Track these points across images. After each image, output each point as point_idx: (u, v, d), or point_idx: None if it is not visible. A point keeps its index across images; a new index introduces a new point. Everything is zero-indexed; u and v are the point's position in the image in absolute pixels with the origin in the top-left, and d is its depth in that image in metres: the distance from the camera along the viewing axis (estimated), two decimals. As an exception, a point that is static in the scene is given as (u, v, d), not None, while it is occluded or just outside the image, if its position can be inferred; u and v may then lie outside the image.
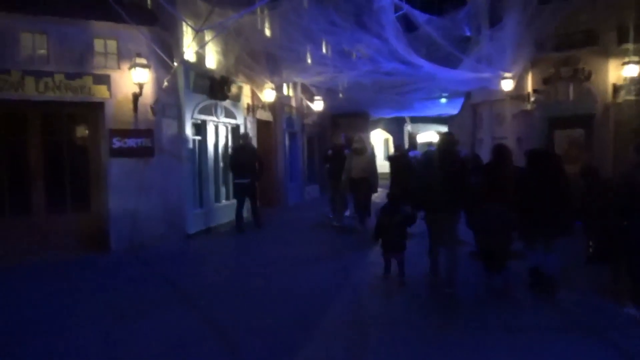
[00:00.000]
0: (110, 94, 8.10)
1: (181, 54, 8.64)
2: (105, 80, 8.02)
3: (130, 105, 8.21)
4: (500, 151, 6.37)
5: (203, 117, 9.80)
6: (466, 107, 16.17)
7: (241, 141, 10.32)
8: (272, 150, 14.08)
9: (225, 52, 10.54)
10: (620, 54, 10.25)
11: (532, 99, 11.45)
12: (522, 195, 5.50)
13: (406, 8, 11.49)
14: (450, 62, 12.42)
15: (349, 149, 10.05)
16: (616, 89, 10.38)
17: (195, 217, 9.53)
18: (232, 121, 11.09)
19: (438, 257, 5.95)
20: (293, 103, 15.40)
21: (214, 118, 10.23)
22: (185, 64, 9.06)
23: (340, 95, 18.39)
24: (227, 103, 10.66)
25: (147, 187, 8.43)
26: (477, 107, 15.25)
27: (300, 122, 15.95)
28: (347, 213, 10.58)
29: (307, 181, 16.62)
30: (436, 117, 21.97)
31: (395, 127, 25.75)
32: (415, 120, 25.87)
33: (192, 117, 9.37)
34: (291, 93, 15.47)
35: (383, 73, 13.37)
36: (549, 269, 5.49)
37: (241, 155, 9.92)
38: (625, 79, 10.22)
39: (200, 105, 9.65)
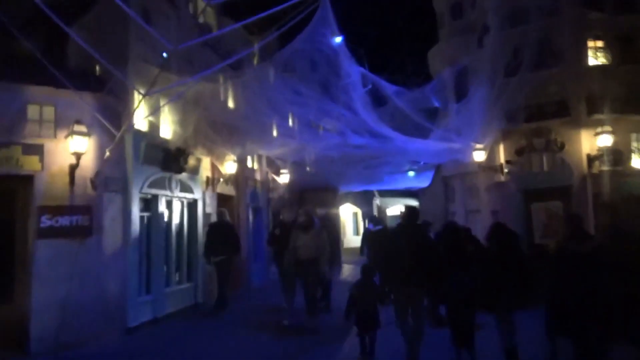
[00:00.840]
0: (42, 166, 7.07)
1: (130, 122, 7.81)
2: (37, 150, 7.02)
3: (66, 179, 7.18)
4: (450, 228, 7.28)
5: (154, 191, 8.80)
6: (437, 179, 15.79)
7: (217, 218, 10.02)
8: (235, 226, 13.01)
9: (182, 122, 9.78)
10: (592, 124, 10.10)
11: (505, 170, 11.06)
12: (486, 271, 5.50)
13: (375, 80, 11.23)
14: (420, 133, 12.08)
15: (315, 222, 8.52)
16: (590, 159, 10.10)
17: (140, 306, 8.21)
18: (189, 196, 10.10)
19: (408, 329, 5.67)
20: (258, 176, 14.61)
21: (168, 192, 9.24)
22: (136, 133, 8.21)
23: (308, 168, 17.84)
24: (183, 176, 9.73)
25: (81, 272, 7.18)
26: (448, 179, 14.86)
27: (266, 196, 15.08)
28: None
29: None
30: (405, 190, 21.59)
31: (365, 201, 25.25)
32: (384, 194, 25.51)
33: (140, 192, 8.35)
34: (255, 166, 14.73)
35: (352, 146, 12.91)
36: (505, 340, 5.38)
37: (216, 232, 9.58)
38: (599, 149, 9.98)
39: (152, 179, 8.68)
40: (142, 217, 8.51)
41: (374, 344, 5.91)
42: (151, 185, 8.67)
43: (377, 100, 12.47)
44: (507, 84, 10.65)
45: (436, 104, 12.22)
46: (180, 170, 9.41)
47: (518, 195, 10.84)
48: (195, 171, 10.23)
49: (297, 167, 15.81)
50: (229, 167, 11.24)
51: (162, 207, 9.04)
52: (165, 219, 9.26)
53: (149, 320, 8.37)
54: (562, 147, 10.31)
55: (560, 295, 4.82)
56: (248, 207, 13.70)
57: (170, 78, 8.79)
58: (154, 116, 9.12)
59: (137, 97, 8.57)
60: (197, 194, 10.34)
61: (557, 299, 4.85)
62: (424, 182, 18.10)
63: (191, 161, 9.86)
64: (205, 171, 11.03)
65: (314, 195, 19.26)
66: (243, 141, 11.89)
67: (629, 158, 10.09)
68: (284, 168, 15.17)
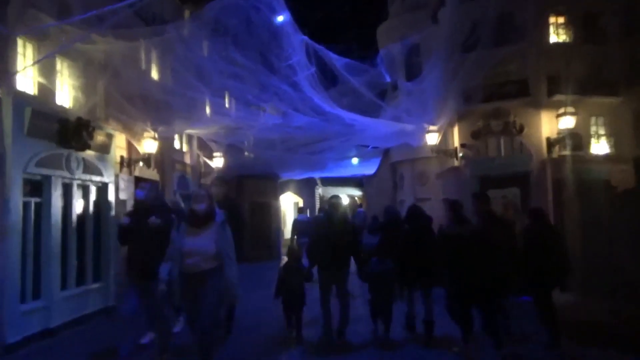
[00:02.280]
0: None
1: (8, 79, 6.03)
2: None
3: None
4: (389, 212, 7.41)
5: (46, 171, 7.01)
6: (384, 166, 14.79)
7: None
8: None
9: (86, 88, 8.03)
10: (553, 105, 9.37)
11: (459, 154, 10.16)
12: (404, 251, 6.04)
13: (320, 50, 9.91)
14: (371, 114, 10.95)
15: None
16: (551, 143, 9.37)
17: (25, 315, 6.49)
18: (97, 178, 8.33)
19: (329, 308, 6.10)
20: (187, 160, 12.93)
21: (65, 174, 7.45)
22: (18, 96, 6.42)
23: (246, 153, 16.32)
24: (89, 155, 7.98)
25: None
26: (397, 166, 13.88)
27: (197, 182, 13.43)
28: (177, 328, 6.50)
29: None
30: (350, 178, 20.54)
31: (306, 190, 23.99)
32: (327, 182, 24.40)
33: (25, 171, 6.57)
34: (185, 147, 13.03)
35: (294, 127, 11.58)
36: (427, 315, 5.99)
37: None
38: (560, 132, 9.28)
39: (42, 156, 6.90)
40: (27, 204, 6.73)
41: (300, 322, 6.29)
42: (41, 164, 6.88)
43: (326, 80, 11.18)
44: (464, 61, 9.74)
45: (387, 79, 11.09)
46: (83, 146, 7.66)
47: (473, 182, 9.98)
48: (104, 149, 8.47)
49: (233, 151, 14.24)
50: (149, 145, 9.54)
51: (56, 191, 7.26)
52: (62, 205, 7.48)
53: (38, 332, 6.66)
54: (522, 129, 9.54)
55: (453, 272, 5.38)
56: (175, 195, 12.02)
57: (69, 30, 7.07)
58: (47, 79, 7.31)
59: (23, 51, 6.81)
60: (107, 177, 8.59)
61: (452, 275, 5.41)
62: (369, 170, 17.09)
63: (99, 137, 8.12)
64: (120, 150, 9.29)
65: (252, 183, 17.78)
66: (168, 118, 10.20)
67: (589, 143, 9.49)
68: (219, 151, 13.56)
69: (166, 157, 11.61)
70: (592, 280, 8.18)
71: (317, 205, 24.27)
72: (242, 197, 17.43)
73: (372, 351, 5.86)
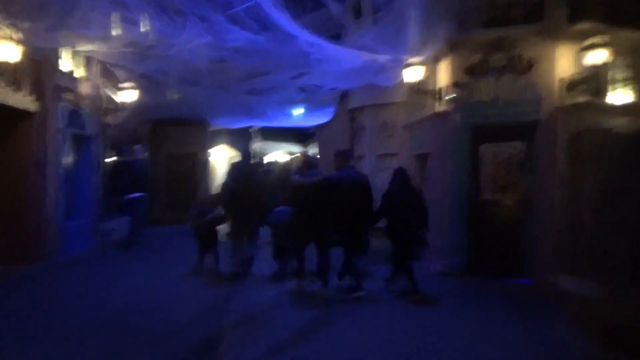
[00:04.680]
0: None
1: None
2: None
3: None
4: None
5: None
6: (340, 114, 12.22)
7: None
8: (29, 163, 8.12)
9: None
10: (573, 36, 7.16)
11: (448, 96, 7.79)
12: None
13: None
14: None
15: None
16: (567, 85, 7.22)
17: None
18: None
19: (239, 250, 7.20)
20: (83, 89, 9.61)
21: None
22: None
23: (170, 93, 13.06)
24: None
25: None
26: (356, 114, 11.37)
27: (97, 121, 10.17)
28: None
29: (110, 214, 10.78)
30: (294, 130, 17.81)
31: (242, 144, 20.96)
32: (266, 134, 21.51)
33: None
34: (80, 72, 9.67)
35: (230, 49, 8.64)
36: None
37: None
38: (579, 72, 7.13)
39: None
40: None
41: (217, 257, 7.54)
42: None
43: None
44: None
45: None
46: None
47: (464, 132, 7.70)
48: None
49: (150, 85, 10.99)
50: (4, 50, 6.28)
51: None
52: None
53: None
54: (530, 66, 7.31)
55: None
56: (61, 133, 8.80)
57: None
58: None
59: None
60: None
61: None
62: (318, 122, 14.44)
63: None
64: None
65: (176, 131, 14.61)
66: (40, 13, 6.88)
67: (609, 89, 7.49)
68: (129, 81, 10.30)
69: (47, 80, 8.30)
70: (611, 265, 6.30)
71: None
72: (159, 147, 14.29)
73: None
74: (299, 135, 20.63)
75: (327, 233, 6.21)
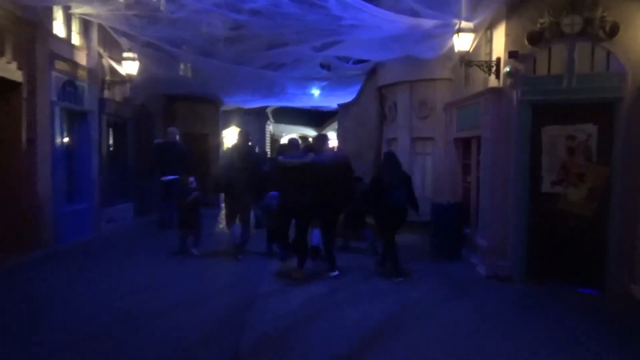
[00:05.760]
0: None
1: None
2: None
3: None
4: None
5: None
6: (367, 92, 10.98)
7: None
8: (18, 141, 7.06)
9: None
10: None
11: (505, 69, 6.54)
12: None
13: None
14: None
15: None
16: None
17: None
18: None
19: (233, 229, 7.51)
20: (81, 59, 8.49)
21: None
22: None
23: (182, 66, 11.97)
24: None
25: None
26: (387, 91, 10.13)
27: (96, 94, 9.05)
28: None
29: (110, 199, 9.74)
30: (311, 110, 16.58)
31: (255, 125, 19.81)
32: (280, 116, 20.33)
33: None
34: (77, 40, 8.55)
35: (248, 12, 7.49)
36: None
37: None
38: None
39: None
40: None
41: (198, 239, 7.61)
42: None
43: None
44: None
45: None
46: None
47: (522, 112, 6.47)
48: None
49: (159, 56, 9.85)
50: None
51: None
52: None
53: None
54: (614, 31, 6.01)
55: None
56: (54, 107, 7.71)
57: None
58: None
59: None
60: None
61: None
62: (340, 102, 13.19)
63: None
64: None
65: (185, 107, 13.47)
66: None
67: None
68: (133, 51, 9.15)
69: (38, 46, 7.19)
70: None
71: (268, 145, 20.36)
72: (168, 126, 13.16)
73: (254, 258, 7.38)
74: (315, 117, 19.42)
75: (305, 213, 6.41)
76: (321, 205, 6.32)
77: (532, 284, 6.27)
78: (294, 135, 21.71)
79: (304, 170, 6.30)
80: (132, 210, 10.47)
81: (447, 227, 7.81)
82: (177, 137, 9.89)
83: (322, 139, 7.20)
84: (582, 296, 5.93)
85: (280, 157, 6.63)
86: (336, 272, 6.45)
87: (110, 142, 10.07)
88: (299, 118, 20.23)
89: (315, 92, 13.28)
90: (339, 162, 6.59)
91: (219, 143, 14.59)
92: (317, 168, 6.32)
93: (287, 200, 6.38)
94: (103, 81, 9.19)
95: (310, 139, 21.72)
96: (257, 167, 7.27)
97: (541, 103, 6.45)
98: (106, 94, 9.34)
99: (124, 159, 10.43)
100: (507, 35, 6.60)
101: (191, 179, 7.72)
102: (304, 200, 6.22)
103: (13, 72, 6.70)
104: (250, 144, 7.81)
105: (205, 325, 4.54)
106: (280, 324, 4.58)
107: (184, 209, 7.40)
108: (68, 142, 8.36)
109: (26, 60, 6.95)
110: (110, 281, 5.99)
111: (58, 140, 7.79)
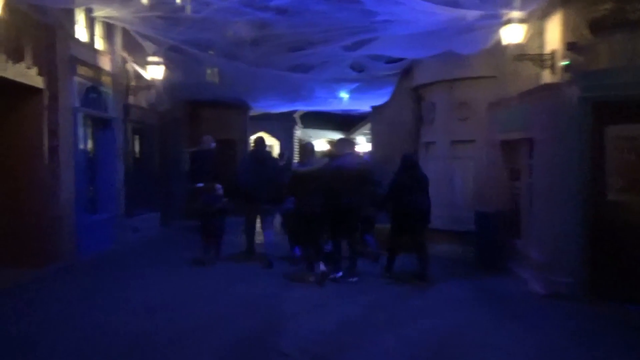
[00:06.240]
0: None
1: None
2: None
3: None
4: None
5: None
6: (401, 94, 10.38)
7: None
8: (39, 149, 6.77)
9: None
10: None
11: (562, 62, 5.87)
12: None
13: None
14: None
15: None
16: None
17: None
18: None
19: (250, 234, 7.58)
20: (104, 64, 8.21)
21: None
22: None
23: (209, 71, 11.61)
24: None
25: None
26: (424, 92, 9.51)
27: (120, 100, 8.76)
28: None
29: (135, 209, 9.41)
30: (338, 114, 16.04)
31: (283, 132, 19.42)
32: (308, 121, 19.87)
33: None
34: (100, 44, 8.28)
35: (274, 9, 7.07)
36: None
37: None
38: None
39: None
40: None
41: (219, 248, 7.50)
42: None
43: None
44: None
45: None
46: None
47: (582, 110, 5.77)
48: None
49: (184, 61, 9.52)
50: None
51: None
52: None
53: None
54: (686, 18, 5.34)
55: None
56: (76, 115, 7.42)
57: None
58: None
59: None
60: None
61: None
62: (371, 104, 12.60)
63: None
64: None
65: (212, 113, 13.14)
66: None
67: None
68: (157, 55, 8.82)
69: (59, 51, 6.90)
70: None
71: (295, 150, 19.90)
72: (198, 134, 12.85)
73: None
74: (344, 121, 18.89)
75: (316, 219, 6.39)
76: (336, 211, 6.28)
77: (597, 304, 5.55)
78: (322, 140, 21.29)
79: (316, 176, 6.36)
80: (157, 220, 10.14)
81: (492, 237, 7.17)
82: (213, 144, 9.35)
83: (341, 143, 7.19)
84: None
85: (296, 165, 6.80)
86: (355, 279, 6.34)
87: (136, 149, 9.77)
88: (328, 122, 19.75)
89: (345, 95, 12.75)
90: (357, 167, 6.52)
91: (246, 149, 14.23)
92: (329, 174, 6.33)
93: (301, 206, 6.48)
94: (127, 87, 8.90)
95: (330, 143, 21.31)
96: (274, 173, 7.37)
97: (603, 100, 5.74)
98: (131, 100, 9.05)
99: (150, 167, 10.13)
100: (562, 25, 5.93)
101: (218, 185, 7.44)
102: (315, 205, 6.27)
103: (33, 77, 6.41)
104: (267, 149, 7.91)
105: (229, 352, 4.05)
106: (315, 350, 4.06)
107: (208, 216, 7.31)
108: (91, 150, 8.07)
109: (47, 66, 6.67)
110: (129, 298, 5.58)
111: (81, 148, 7.50)
